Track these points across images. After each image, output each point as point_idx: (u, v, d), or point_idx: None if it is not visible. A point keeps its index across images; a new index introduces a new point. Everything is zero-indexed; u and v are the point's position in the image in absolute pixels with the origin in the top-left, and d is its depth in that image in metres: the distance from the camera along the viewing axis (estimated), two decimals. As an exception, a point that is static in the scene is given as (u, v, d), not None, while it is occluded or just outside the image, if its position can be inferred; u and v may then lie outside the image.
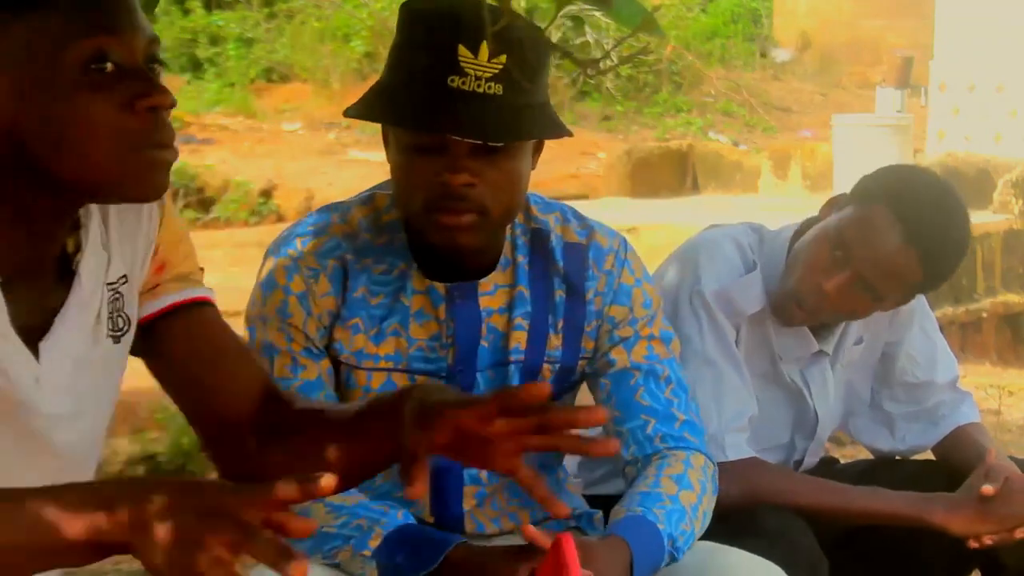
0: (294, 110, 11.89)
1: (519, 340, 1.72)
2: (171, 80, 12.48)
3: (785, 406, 2.15)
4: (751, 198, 8.36)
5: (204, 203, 9.67)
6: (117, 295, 1.39)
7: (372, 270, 1.70)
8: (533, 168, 1.69)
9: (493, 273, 1.72)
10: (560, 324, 1.74)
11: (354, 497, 1.63)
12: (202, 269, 1.47)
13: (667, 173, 9.16)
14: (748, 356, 2.07)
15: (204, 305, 1.44)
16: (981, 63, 8.70)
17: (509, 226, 1.73)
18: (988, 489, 1.95)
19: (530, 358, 1.73)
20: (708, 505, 1.74)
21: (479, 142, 1.56)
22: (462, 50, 1.54)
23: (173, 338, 1.44)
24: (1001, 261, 7.21)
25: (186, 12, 13.35)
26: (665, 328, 1.80)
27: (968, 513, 1.96)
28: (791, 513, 1.93)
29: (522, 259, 1.73)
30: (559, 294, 1.74)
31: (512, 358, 1.72)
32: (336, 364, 1.71)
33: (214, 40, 13.08)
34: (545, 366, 1.74)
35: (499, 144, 1.58)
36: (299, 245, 1.71)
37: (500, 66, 1.55)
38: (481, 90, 1.54)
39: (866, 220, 1.97)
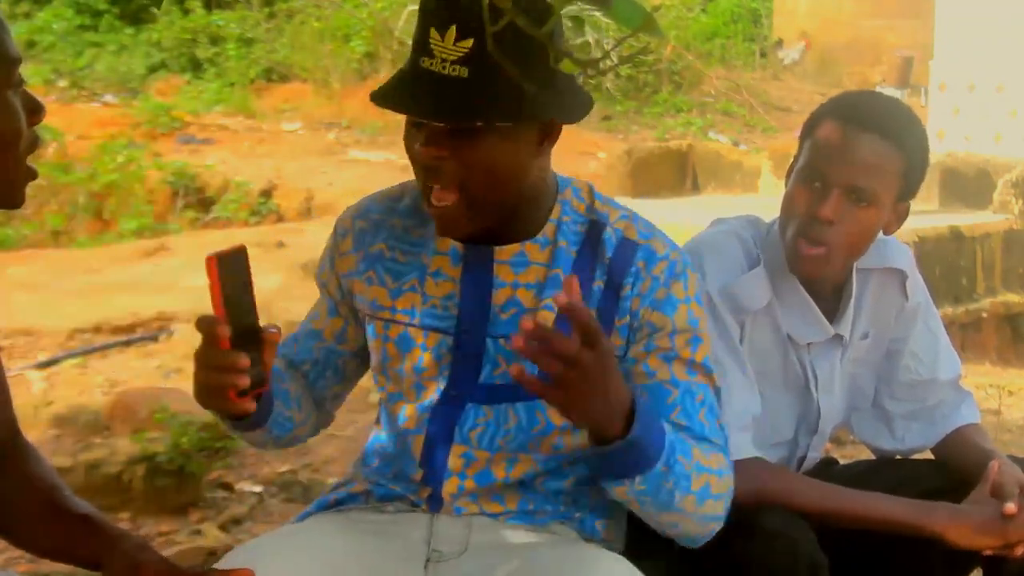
0: (294, 110, 11.89)
1: (547, 320, 1.73)
2: (171, 80, 12.49)
3: (791, 401, 2.14)
4: (751, 198, 8.34)
5: (204, 203, 9.67)
6: None
7: (404, 230, 1.82)
8: (543, 153, 1.72)
9: (524, 246, 1.76)
10: (592, 313, 1.74)
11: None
12: None
13: (667, 173, 9.15)
14: (755, 351, 2.06)
15: None
16: (981, 63, 8.70)
17: (557, 209, 1.77)
18: (1011, 508, 1.92)
19: None
20: (714, 495, 1.67)
21: (431, 122, 1.64)
22: (432, 33, 1.62)
23: None
24: (1001, 261, 7.21)
25: (186, 12, 13.37)
26: (710, 361, 1.77)
27: (971, 525, 1.93)
28: (792, 513, 1.92)
29: (565, 244, 1.76)
30: (598, 284, 1.75)
31: None
32: (360, 316, 1.86)
33: (214, 40, 13.09)
34: None
35: (469, 124, 1.62)
36: (348, 210, 1.89)
37: (465, 50, 1.60)
38: (445, 72, 1.61)
39: (819, 139, 1.99)
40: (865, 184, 1.96)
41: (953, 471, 2.13)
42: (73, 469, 3.70)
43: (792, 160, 2.07)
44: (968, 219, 7.22)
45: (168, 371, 5.16)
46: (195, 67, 12.99)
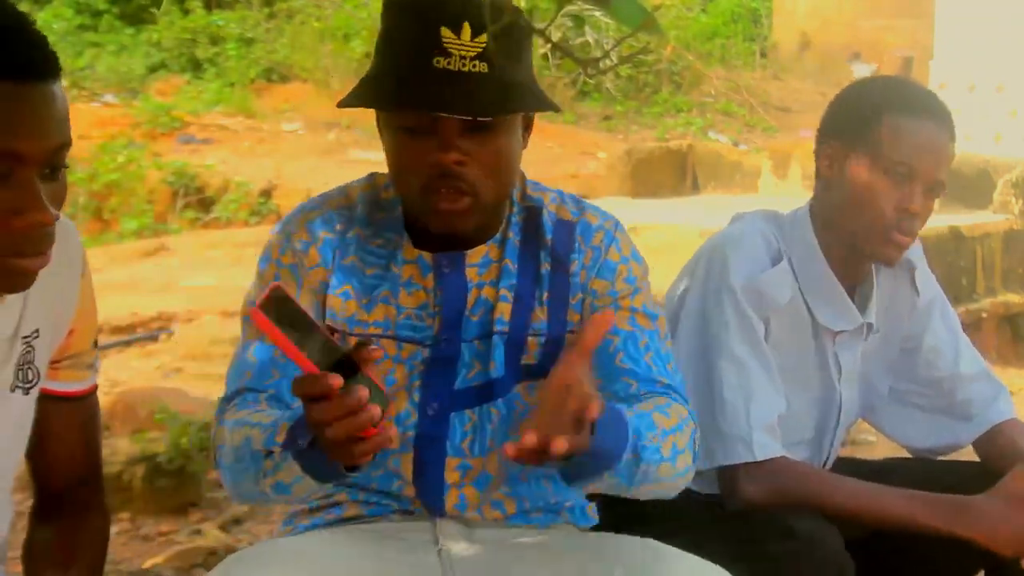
0: (294, 110, 11.89)
1: (503, 311, 1.74)
2: (171, 80, 12.49)
3: (812, 397, 2.13)
4: (751, 198, 8.34)
5: (204, 203, 9.67)
6: (29, 348, 1.49)
7: (367, 241, 1.76)
8: (524, 146, 1.74)
9: (484, 246, 1.76)
10: (545, 296, 1.75)
11: (278, 413, 1.63)
12: (95, 343, 1.63)
13: (667, 173, 9.15)
14: (779, 347, 2.05)
15: (75, 400, 1.61)
16: (981, 63, 8.70)
17: (507, 204, 1.78)
18: None
19: (514, 330, 1.74)
20: (682, 448, 1.65)
21: (468, 121, 1.61)
22: (445, 31, 1.59)
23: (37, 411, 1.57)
24: (1001, 261, 7.20)
25: (186, 12, 13.36)
26: (651, 307, 1.79)
27: (1007, 531, 1.89)
28: (818, 515, 1.90)
29: (512, 235, 1.77)
30: (545, 267, 1.76)
31: (496, 329, 1.73)
32: (332, 333, 1.75)
33: (214, 40, 13.08)
34: (530, 339, 1.74)
35: (487, 121, 1.62)
36: (295, 220, 1.80)
37: (482, 46, 1.60)
38: (466, 69, 1.60)
39: (902, 134, 2.02)
40: (943, 178, 2.04)
41: (984, 469, 2.11)
42: (73, 469, 3.70)
43: (826, 153, 2.07)
44: (968, 219, 7.21)
45: (168, 371, 5.16)
46: (195, 67, 12.99)
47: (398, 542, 1.74)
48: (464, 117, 1.60)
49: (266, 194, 9.63)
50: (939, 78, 8.97)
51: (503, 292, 1.74)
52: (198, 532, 3.56)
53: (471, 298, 1.74)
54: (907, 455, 2.30)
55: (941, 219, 7.11)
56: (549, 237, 1.77)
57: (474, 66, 1.60)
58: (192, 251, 7.91)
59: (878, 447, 4.23)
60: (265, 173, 9.81)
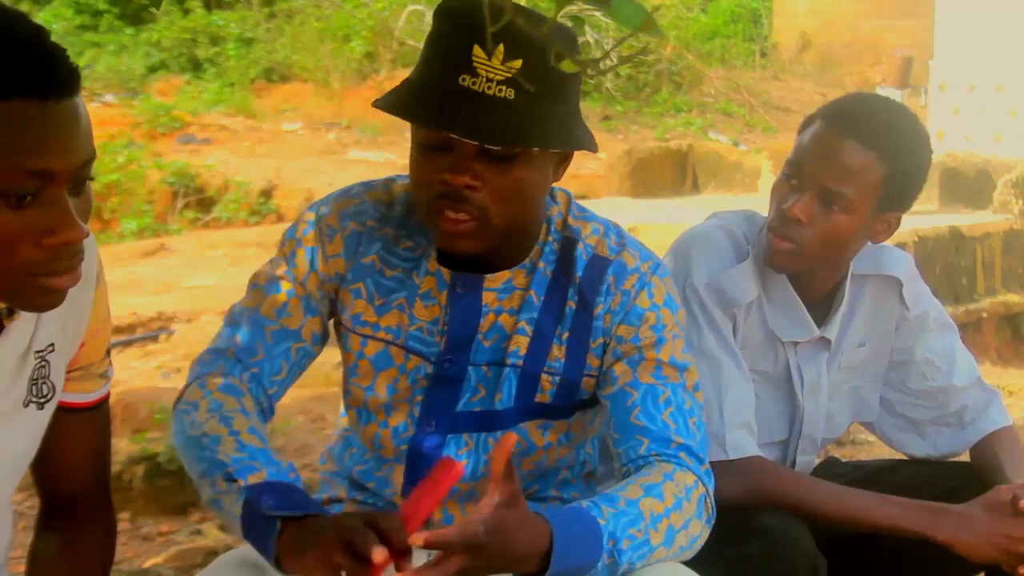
0: (294, 110, 11.90)
1: (520, 344, 1.69)
2: (171, 80, 12.49)
3: (781, 401, 2.13)
4: (751, 198, 8.34)
5: (204, 203, 9.67)
6: (44, 363, 1.47)
7: (395, 242, 1.73)
8: (557, 179, 1.68)
9: (508, 272, 1.71)
10: (565, 335, 1.70)
11: (261, 443, 1.58)
12: (108, 352, 1.60)
13: (667, 173, 9.15)
14: (747, 346, 2.04)
15: (84, 410, 1.59)
16: (981, 63, 8.70)
17: (544, 230, 1.72)
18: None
19: (528, 365, 1.70)
20: (683, 525, 1.58)
21: (485, 145, 1.55)
22: (476, 50, 1.54)
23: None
24: (1001, 261, 7.20)
25: (186, 12, 13.38)
26: (679, 357, 1.71)
27: (979, 537, 1.89)
28: (789, 514, 1.90)
29: (544, 265, 1.71)
30: (571, 305, 1.71)
31: (510, 361, 1.70)
32: (338, 325, 1.76)
33: (214, 40, 13.10)
34: (544, 376, 1.70)
35: (498, 148, 1.56)
36: (332, 203, 1.75)
37: (514, 70, 1.53)
38: (491, 92, 1.54)
39: (804, 139, 2.00)
40: (838, 188, 1.95)
41: (979, 476, 2.10)
42: (73, 469, 3.70)
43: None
44: (968, 219, 7.21)
45: (168, 371, 5.17)
46: (195, 67, 13.00)
47: None
48: (472, 142, 1.55)
49: (266, 194, 9.64)
50: (939, 78, 8.98)
51: (522, 324, 1.69)
52: (198, 532, 3.56)
53: (485, 322, 1.70)
54: (903, 456, 2.29)
55: (941, 219, 7.11)
56: (579, 275, 1.71)
57: (500, 91, 1.53)
58: (192, 251, 7.91)
59: (876, 447, 4.23)
60: (265, 173, 9.82)
